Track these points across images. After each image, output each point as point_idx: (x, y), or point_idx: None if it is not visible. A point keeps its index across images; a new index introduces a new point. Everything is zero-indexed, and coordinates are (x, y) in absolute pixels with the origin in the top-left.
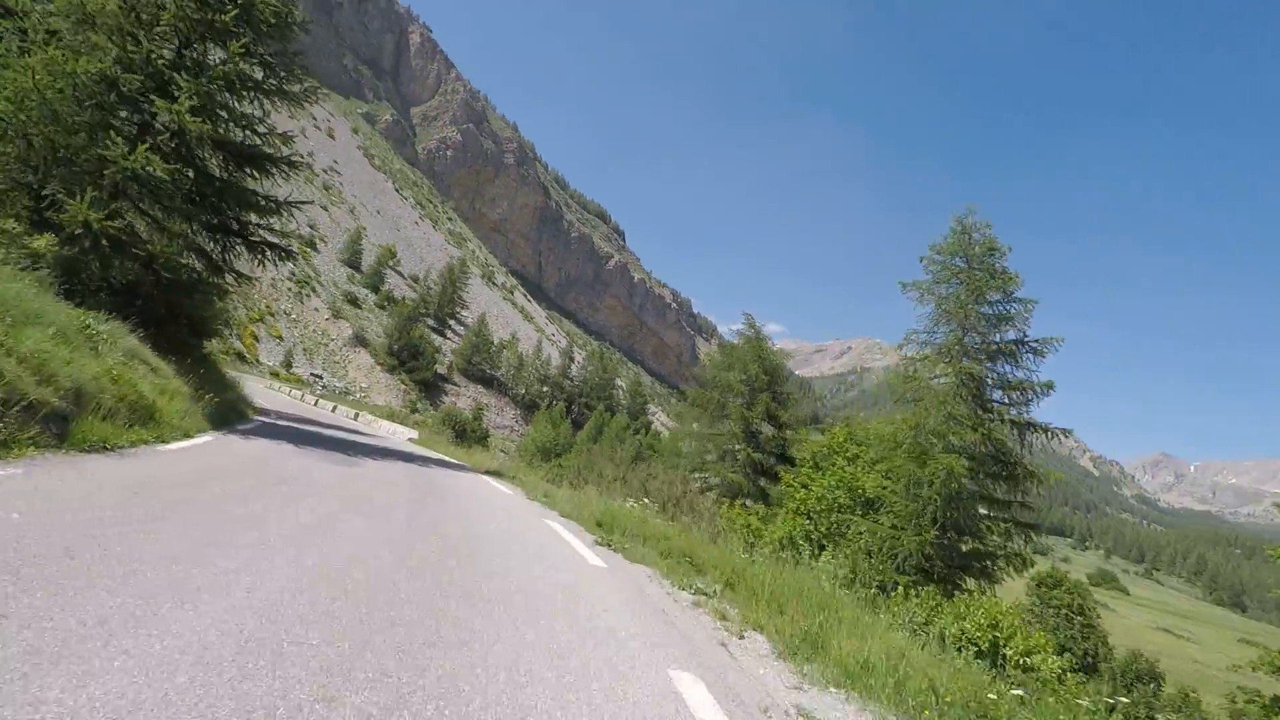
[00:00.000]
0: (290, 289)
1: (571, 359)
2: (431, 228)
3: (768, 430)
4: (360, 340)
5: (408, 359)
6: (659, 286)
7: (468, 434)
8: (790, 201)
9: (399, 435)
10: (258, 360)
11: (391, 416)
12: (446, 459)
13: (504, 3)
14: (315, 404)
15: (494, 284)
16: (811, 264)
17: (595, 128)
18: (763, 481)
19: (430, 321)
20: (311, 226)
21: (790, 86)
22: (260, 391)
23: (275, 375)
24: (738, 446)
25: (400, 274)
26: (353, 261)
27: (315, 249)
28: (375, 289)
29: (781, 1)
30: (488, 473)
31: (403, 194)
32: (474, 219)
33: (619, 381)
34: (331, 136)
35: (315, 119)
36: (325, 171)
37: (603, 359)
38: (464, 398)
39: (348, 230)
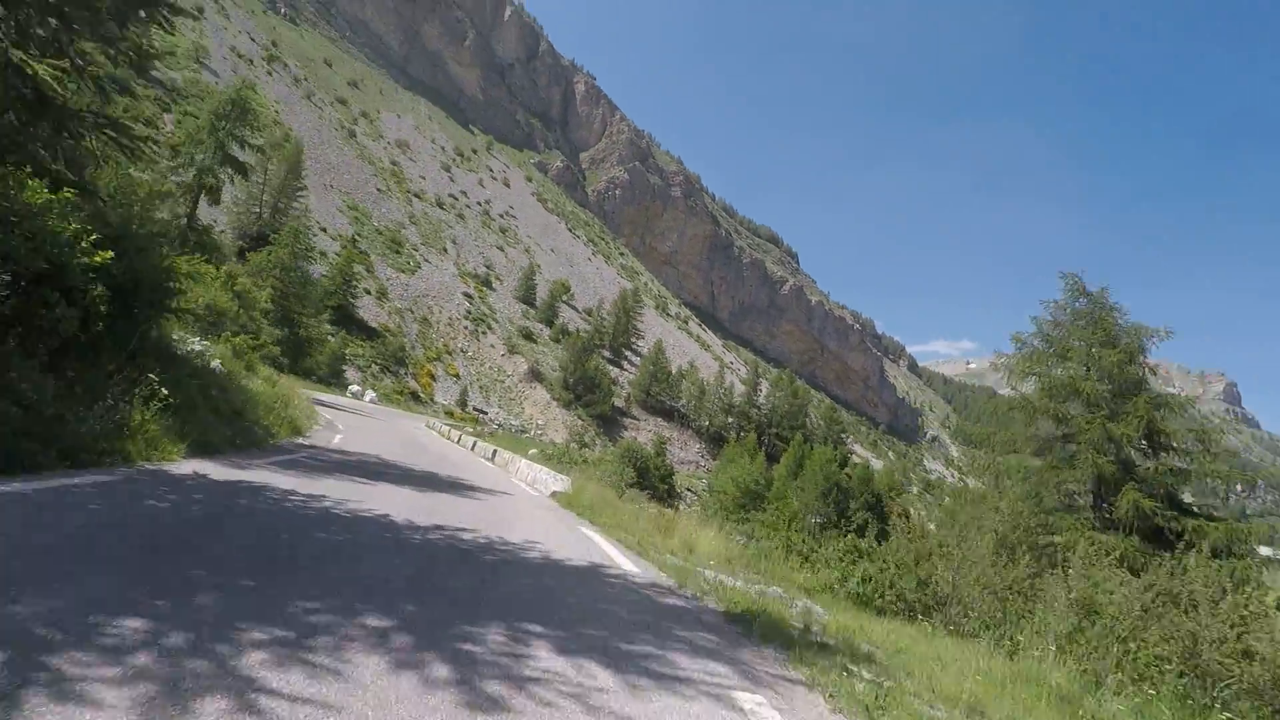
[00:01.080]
0: (467, 327)
1: (757, 387)
2: (604, 263)
3: (1143, 459)
4: (535, 375)
5: (583, 392)
6: (838, 308)
7: (650, 472)
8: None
9: (529, 484)
10: (433, 399)
11: (553, 458)
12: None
13: (662, 39)
14: (457, 440)
15: (668, 314)
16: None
17: (760, 150)
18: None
19: (605, 354)
20: (488, 266)
21: (964, 91)
22: (406, 429)
23: (450, 414)
24: (1104, 486)
25: (574, 308)
26: (527, 298)
27: (491, 287)
28: (549, 323)
29: (941, 7)
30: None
31: (575, 233)
32: (645, 254)
33: (810, 410)
34: (507, 185)
35: (492, 170)
36: (501, 216)
37: (792, 384)
38: (644, 431)
39: (522, 269)
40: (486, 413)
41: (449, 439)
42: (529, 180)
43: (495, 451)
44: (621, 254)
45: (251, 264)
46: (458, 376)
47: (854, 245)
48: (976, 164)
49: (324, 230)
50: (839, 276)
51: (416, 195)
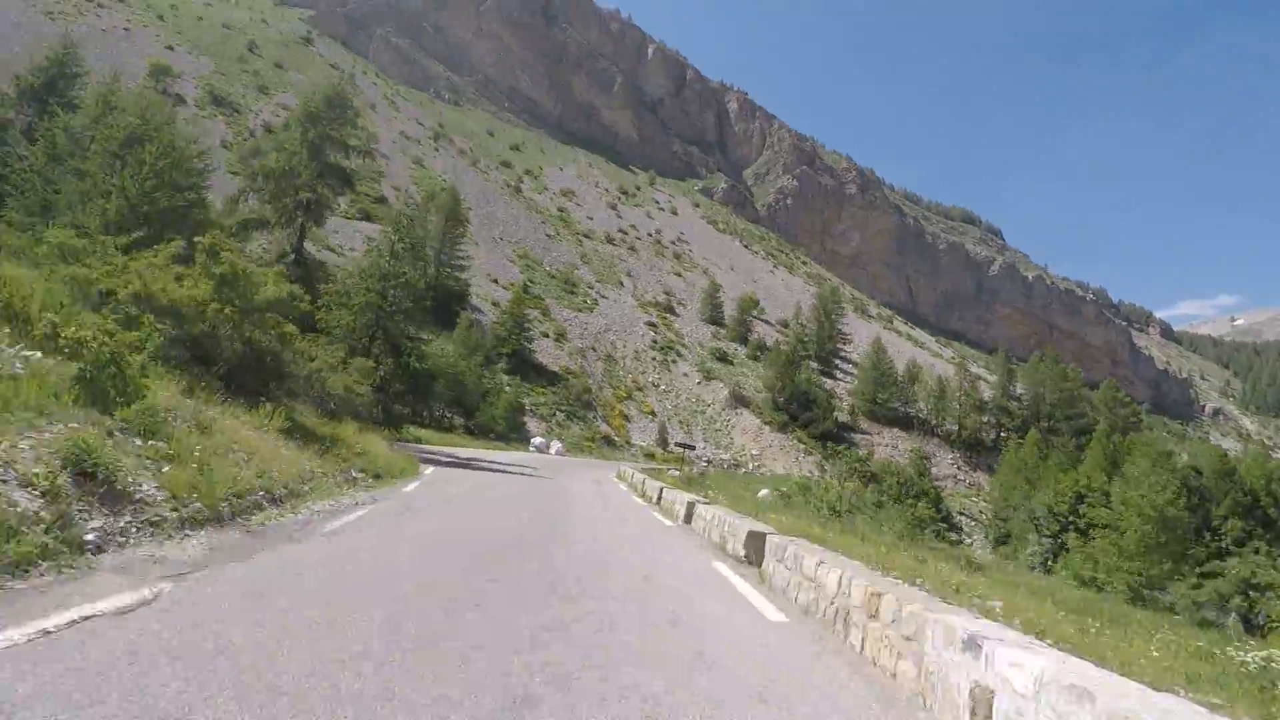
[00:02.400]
0: (655, 358)
1: (1011, 377)
2: (788, 274)
3: None
4: (739, 399)
5: (799, 411)
6: (1061, 281)
7: (913, 498)
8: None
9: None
10: (628, 442)
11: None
12: None
13: (814, 38)
14: (655, 497)
15: (868, 315)
16: (1247, 225)
17: (937, 129)
18: None
19: (813, 365)
20: (667, 293)
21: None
22: (563, 492)
23: (650, 456)
24: None
25: (766, 322)
26: (714, 318)
27: (674, 313)
28: (743, 340)
29: None
30: None
31: (752, 250)
32: (827, 260)
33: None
34: (675, 214)
35: (658, 202)
36: (673, 243)
37: (1057, 365)
38: (879, 445)
39: (703, 289)
40: (694, 447)
41: (642, 494)
42: (696, 206)
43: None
44: (804, 263)
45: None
46: (653, 414)
47: (1063, 212)
48: (1191, 99)
49: (495, 281)
50: (1052, 248)
51: (585, 235)
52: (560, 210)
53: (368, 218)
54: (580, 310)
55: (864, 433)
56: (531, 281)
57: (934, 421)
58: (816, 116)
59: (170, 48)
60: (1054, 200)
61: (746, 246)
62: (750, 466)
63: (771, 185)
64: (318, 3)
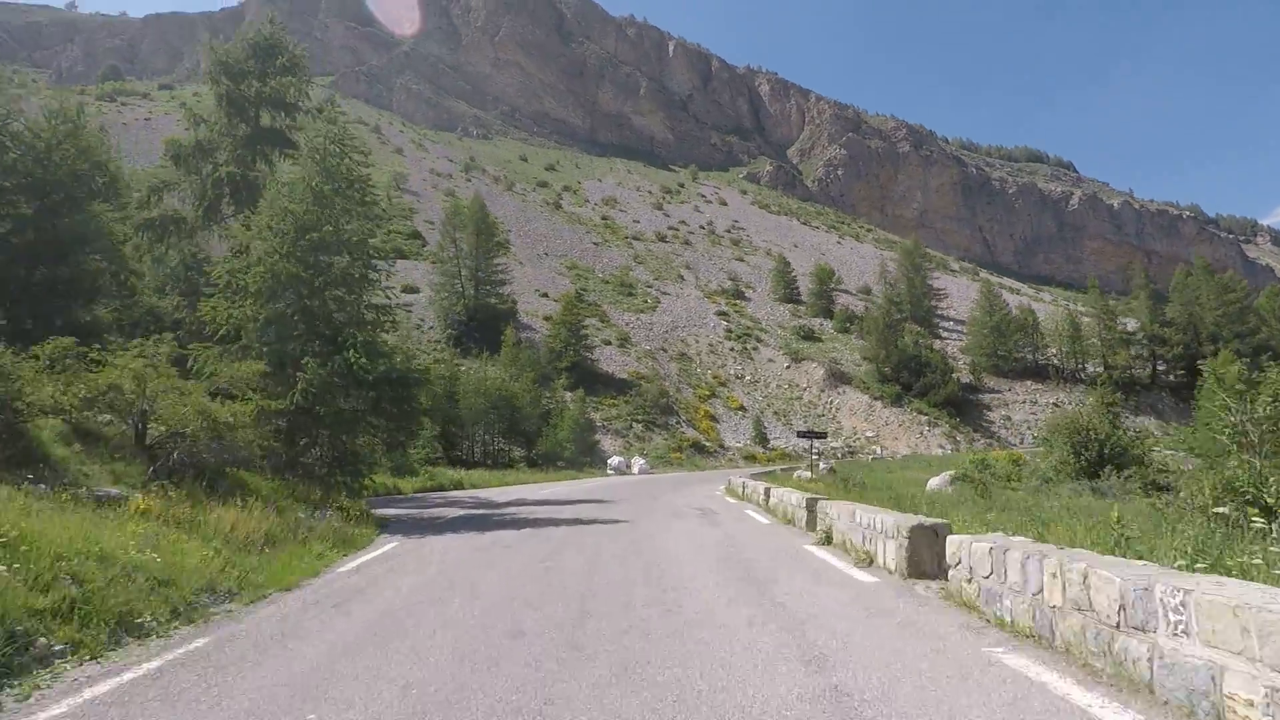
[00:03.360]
0: (733, 349)
1: (1158, 302)
2: (856, 241)
3: None
4: (838, 378)
5: (911, 379)
6: (1150, 204)
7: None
8: None
9: None
10: (721, 445)
11: None
12: None
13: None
14: (825, 539)
15: (951, 270)
16: None
17: (988, 64)
18: None
19: (914, 328)
20: (733, 279)
21: None
22: (654, 546)
23: (753, 458)
24: None
25: (846, 291)
26: (789, 296)
27: (744, 298)
28: (827, 314)
29: None
30: None
31: (811, 226)
32: (891, 226)
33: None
34: (724, 204)
35: (705, 195)
36: (728, 231)
37: (1213, 277)
38: (1015, 403)
39: (770, 269)
40: (824, 435)
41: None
42: (744, 194)
43: None
44: (869, 230)
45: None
46: (742, 409)
47: (1134, 131)
48: None
49: (545, 295)
50: (1132, 172)
51: (635, 238)
52: (605, 219)
53: (402, 255)
54: (642, 311)
55: (992, 391)
56: (585, 290)
57: (1072, 366)
58: (854, 82)
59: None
60: (1122, 120)
61: (805, 223)
62: (870, 451)
63: (819, 159)
64: (336, 67)
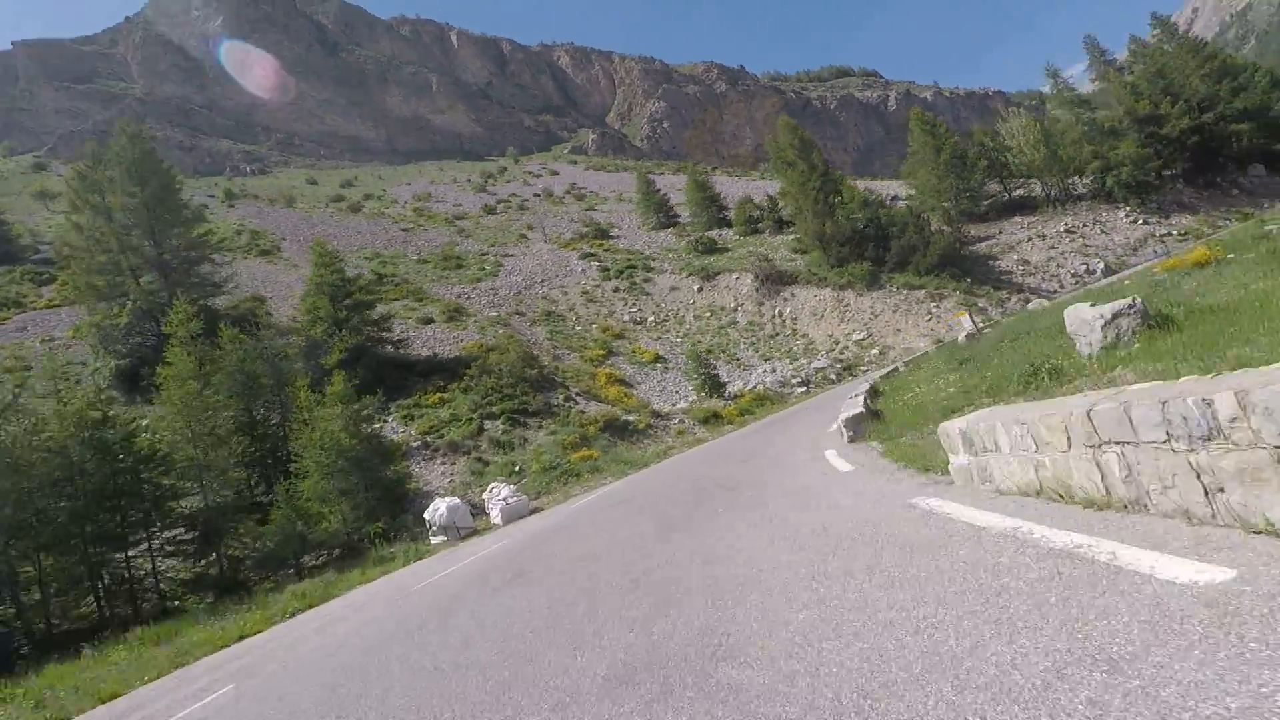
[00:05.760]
0: (618, 290)
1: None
2: (709, 172)
3: None
4: (776, 279)
5: (877, 250)
6: (958, 90)
7: None
8: None
9: None
10: (655, 415)
11: None
12: None
13: None
14: None
15: None
16: None
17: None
18: None
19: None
20: (589, 225)
21: None
22: None
23: (715, 416)
24: None
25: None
26: (667, 222)
27: (611, 236)
28: (724, 223)
29: None
30: None
31: (657, 174)
32: (730, 166)
33: None
34: (555, 174)
35: (532, 171)
36: (569, 193)
37: (1184, 41)
38: (1023, 245)
39: (632, 203)
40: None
41: None
42: (575, 164)
43: None
44: (714, 170)
45: None
46: (660, 360)
47: (924, 30)
48: None
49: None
50: (929, 68)
51: (458, 218)
52: (418, 210)
53: None
54: (479, 280)
55: (985, 239)
56: (389, 275)
57: (1059, 185)
58: (655, 37)
59: None
60: (915, 23)
61: (649, 175)
62: (870, 360)
63: (640, 118)
64: (51, 137)
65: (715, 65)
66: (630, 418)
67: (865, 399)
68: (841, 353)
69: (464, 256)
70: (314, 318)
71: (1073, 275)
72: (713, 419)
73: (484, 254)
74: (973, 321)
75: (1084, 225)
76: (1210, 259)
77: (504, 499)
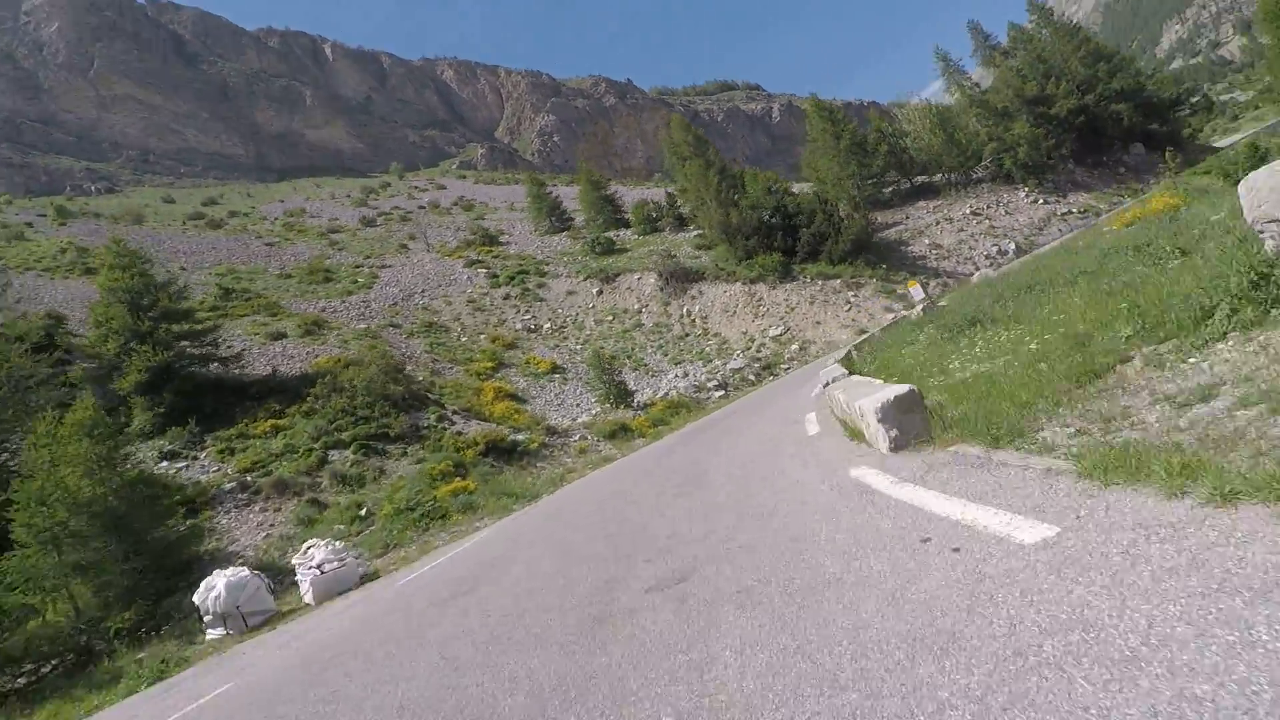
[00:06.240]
0: (508, 297)
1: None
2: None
3: None
4: (682, 277)
5: (787, 240)
6: (835, 101)
7: None
8: None
9: None
10: (547, 432)
11: None
12: None
13: None
14: None
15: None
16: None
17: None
18: None
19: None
20: (476, 233)
21: None
22: None
23: (624, 429)
24: None
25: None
26: (560, 226)
27: (501, 242)
28: (623, 224)
29: None
30: None
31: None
32: (623, 179)
33: None
34: (442, 188)
35: (418, 186)
36: (456, 205)
37: (1057, 21)
38: (933, 229)
39: (522, 208)
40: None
41: None
42: (463, 178)
43: None
44: (609, 180)
45: None
46: (557, 370)
47: (798, 46)
48: None
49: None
50: (807, 82)
51: (333, 231)
52: (289, 225)
53: None
54: (350, 293)
55: (893, 225)
56: (243, 290)
57: (958, 167)
58: (543, 53)
59: None
60: (795, 38)
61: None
62: (788, 354)
63: (530, 131)
64: None
65: (603, 79)
66: (520, 437)
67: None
68: (758, 351)
69: (335, 269)
70: (106, 332)
71: (986, 257)
72: (621, 432)
73: (358, 266)
74: (925, 291)
75: (988, 207)
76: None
77: (317, 567)
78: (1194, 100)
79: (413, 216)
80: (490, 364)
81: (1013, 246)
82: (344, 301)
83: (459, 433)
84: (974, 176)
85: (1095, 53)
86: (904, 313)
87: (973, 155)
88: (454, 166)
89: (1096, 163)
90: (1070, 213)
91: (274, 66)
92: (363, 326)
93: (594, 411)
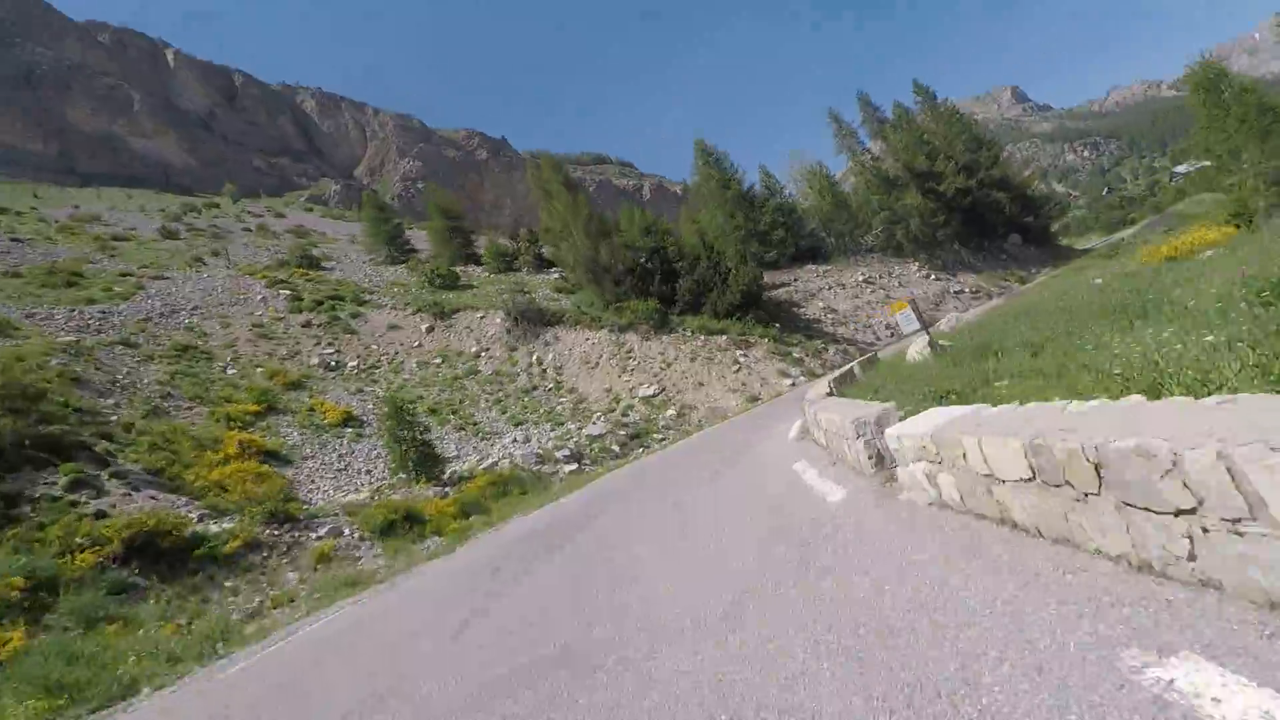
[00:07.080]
0: (311, 324)
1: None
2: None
3: None
4: (536, 319)
5: (663, 287)
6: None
7: None
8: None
9: None
10: (314, 519)
11: None
12: None
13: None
14: None
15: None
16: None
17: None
18: None
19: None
20: (294, 252)
21: None
22: None
23: (411, 521)
24: None
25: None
26: (399, 258)
27: (323, 267)
28: (473, 259)
29: None
30: None
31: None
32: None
33: None
34: (281, 215)
35: (252, 212)
36: (289, 232)
37: (945, 110)
38: (826, 292)
39: (353, 236)
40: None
41: None
42: (310, 211)
43: None
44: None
45: None
46: (351, 421)
47: (671, 131)
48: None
49: None
50: (680, 165)
51: (117, 239)
52: (68, 230)
53: None
54: (94, 301)
55: (780, 285)
56: None
57: (847, 233)
58: (419, 99)
59: None
60: (663, 123)
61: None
62: (663, 420)
63: (393, 174)
64: None
65: (478, 133)
66: (214, 529)
67: None
68: (625, 414)
69: (91, 275)
70: None
71: (886, 326)
72: (404, 524)
73: (125, 275)
74: (919, 319)
75: (880, 277)
76: None
77: None
78: (1057, 203)
79: (228, 235)
80: (255, 407)
81: (915, 317)
82: (74, 310)
83: (101, 513)
84: (864, 245)
85: (977, 140)
86: (888, 345)
87: (863, 223)
88: (301, 199)
89: (979, 246)
90: (963, 291)
91: (101, 63)
92: (71, 339)
93: (383, 480)
